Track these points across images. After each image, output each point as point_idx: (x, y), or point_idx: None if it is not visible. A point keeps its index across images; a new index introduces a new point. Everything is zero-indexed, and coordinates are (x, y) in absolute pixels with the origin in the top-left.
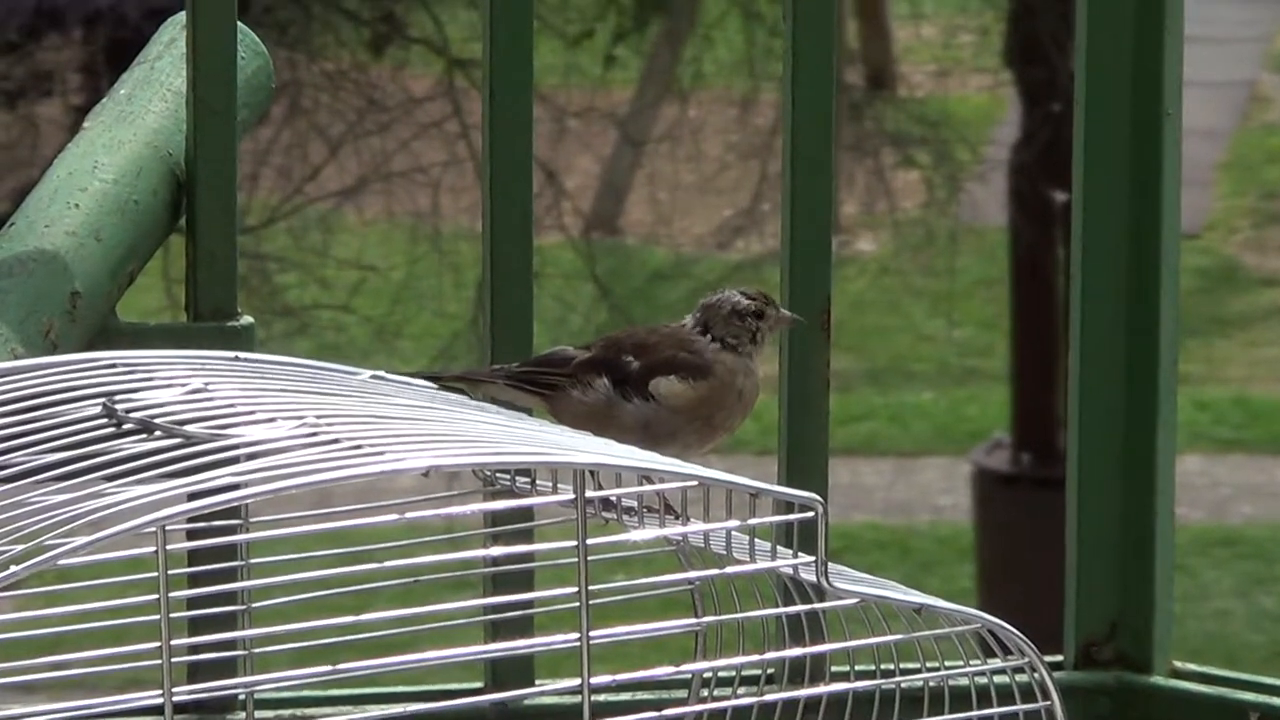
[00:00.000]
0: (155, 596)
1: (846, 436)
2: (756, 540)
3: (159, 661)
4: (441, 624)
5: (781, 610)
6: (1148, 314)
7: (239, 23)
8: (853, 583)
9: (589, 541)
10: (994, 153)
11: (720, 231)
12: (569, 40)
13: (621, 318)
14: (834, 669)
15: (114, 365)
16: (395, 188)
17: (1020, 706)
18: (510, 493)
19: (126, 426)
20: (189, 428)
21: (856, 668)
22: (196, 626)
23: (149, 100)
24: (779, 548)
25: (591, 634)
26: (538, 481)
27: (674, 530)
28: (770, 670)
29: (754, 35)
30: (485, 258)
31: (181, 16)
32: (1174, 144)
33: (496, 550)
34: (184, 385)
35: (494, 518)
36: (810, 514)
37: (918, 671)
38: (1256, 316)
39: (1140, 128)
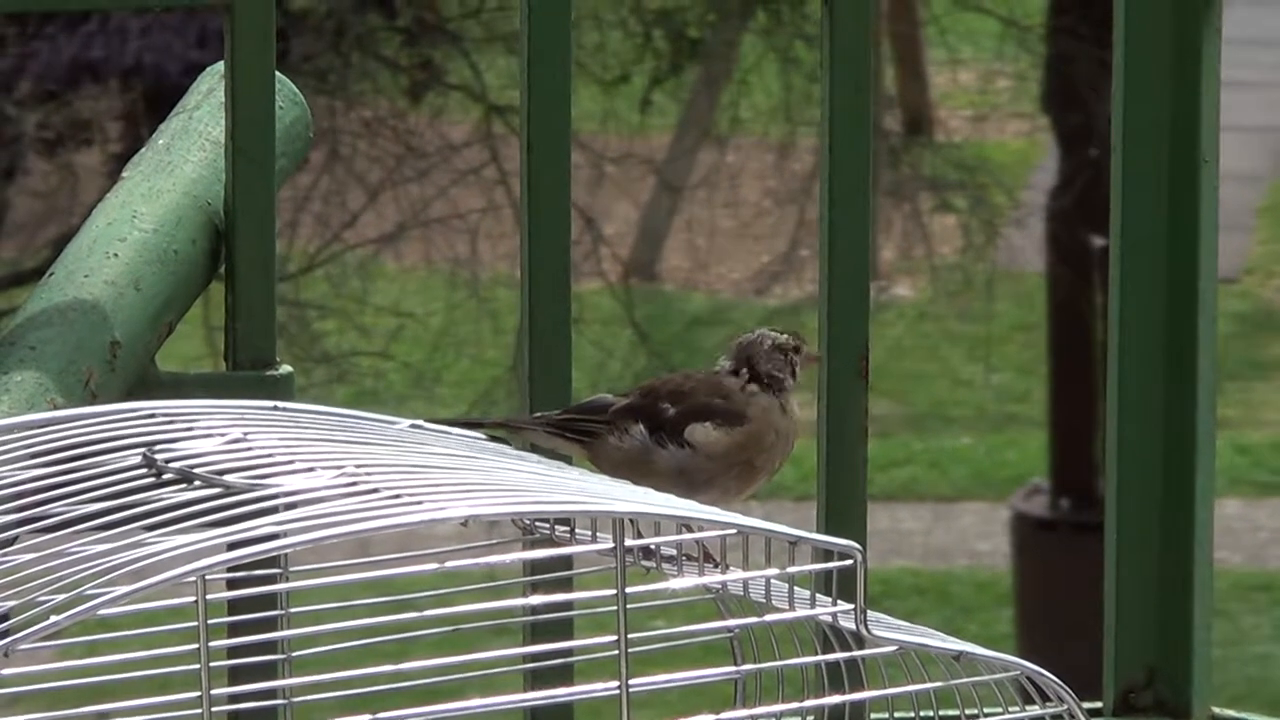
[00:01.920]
0: (192, 647)
1: (885, 482)
2: (795, 588)
3: (199, 711)
4: (481, 672)
5: (821, 658)
6: (1186, 359)
7: (277, 72)
8: (891, 630)
9: (628, 590)
10: (1031, 198)
11: (758, 277)
12: (605, 85)
13: (660, 363)
14: (874, 716)
15: (154, 415)
16: (433, 234)
17: None
18: (550, 541)
19: (166, 476)
20: (228, 477)
21: (896, 715)
22: (236, 676)
23: (188, 150)
24: (818, 595)
25: (631, 682)
26: (577, 530)
27: (713, 579)
28: (810, 718)
29: (791, 80)
30: (524, 305)
31: (220, 66)
32: (1211, 190)
33: (536, 599)
34: (223, 435)
35: (533, 566)
36: (849, 561)
37: (957, 718)
38: None
39: (1177, 175)
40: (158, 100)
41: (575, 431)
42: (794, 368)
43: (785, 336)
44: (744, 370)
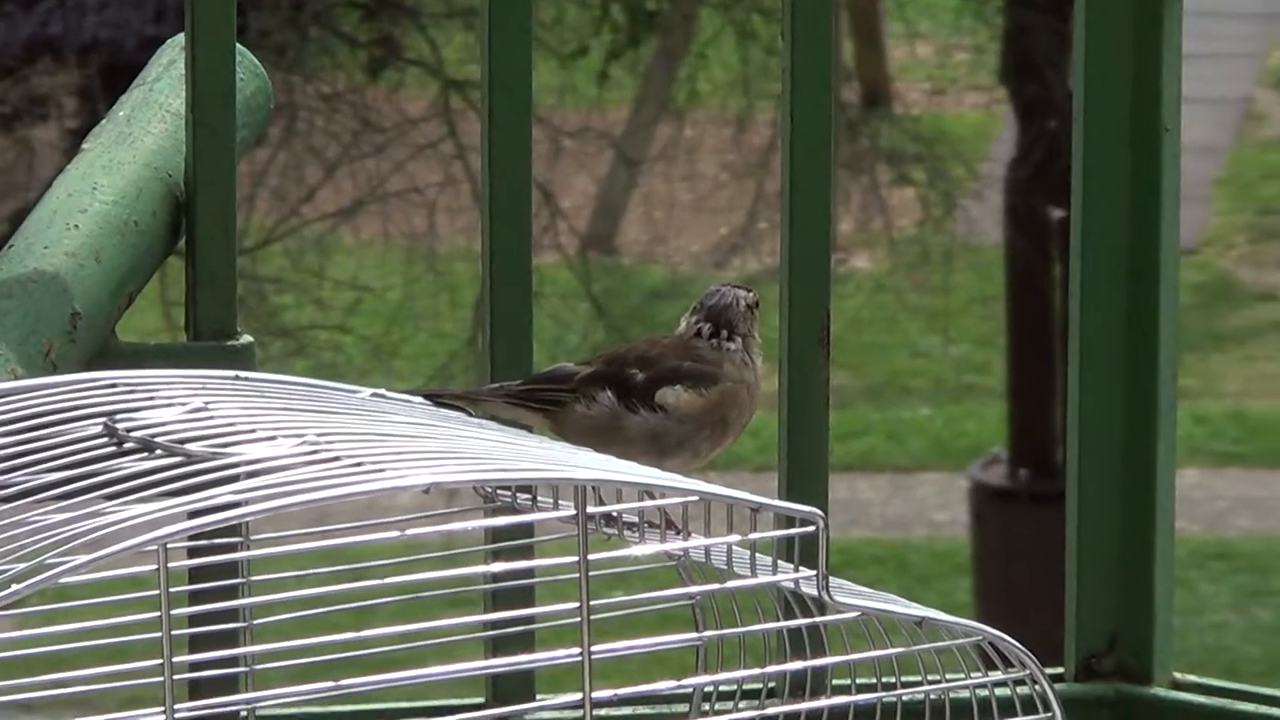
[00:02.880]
0: (155, 614)
1: (844, 453)
2: (757, 555)
3: (160, 679)
4: (443, 640)
5: (783, 624)
6: (1147, 328)
7: (238, 44)
8: (854, 596)
9: (590, 557)
10: (989, 170)
11: (716, 250)
12: (563, 59)
13: (618, 337)
14: (835, 683)
15: (114, 385)
16: (391, 209)
17: (1021, 719)
18: (511, 509)
19: (127, 445)
20: (190, 446)
21: (858, 681)
22: (198, 644)
23: (148, 122)
24: (780, 562)
25: (593, 649)
26: (538, 498)
27: (675, 545)
28: (771, 684)
29: (749, 54)
30: (484, 276)
31: (180, 38)
32: (1173, 159)
33: (498, 566)
34: (185, 404)
35: (495, 534)
36: (811, 528)
37: (919, 684)
38: (1253, 331)
39: (1139, 143)
40: (115, 75)
41: (539, 401)
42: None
43: (748, 293)
44: (721, 330)
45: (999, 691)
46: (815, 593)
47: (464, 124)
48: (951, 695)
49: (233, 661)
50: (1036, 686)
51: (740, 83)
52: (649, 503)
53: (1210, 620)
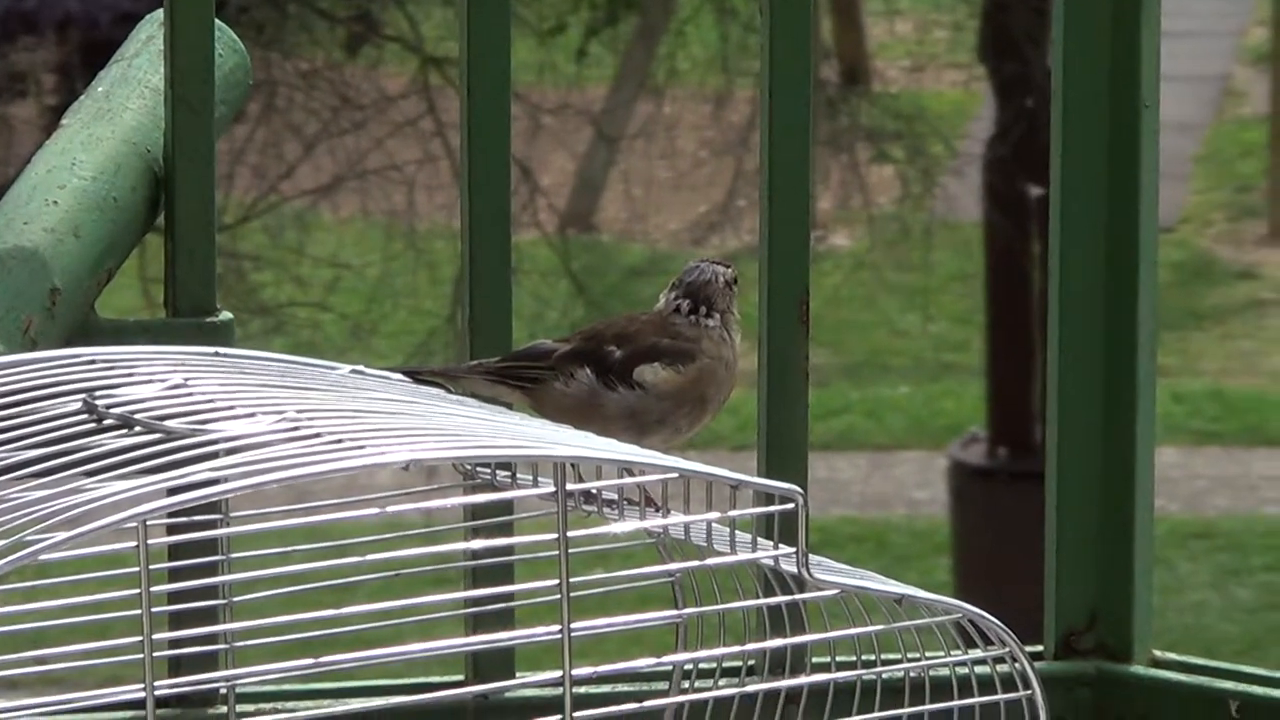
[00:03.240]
0: (133, 592)
1: (822, 431)
2: (737, 532)
3: (139, 656)
4: (422, 617)
5: (762, 601)
6: (1126, 306)
7: (216, 19)
8: (833, 574)
9: (569, 534)
10: (968, 148)
11: (695, 228)
12: (542, 36)
13: (597, 314)
14: (815, 660)
15: (94, 361)
16: (370, 186)
17: (1001, 696)
18: (490, 487)
19: (106, 422)
20: (169, 423)
21: (837, 659)
22: (177, 621)
23: (127, 97)
24: (759, 539)
25: (573, 626)
26: (518, 475)
27: (655, 522)
28: (751, 661)
29: (728, 31)
30: (464, 253)
31: (159, 14)
32: (1152, 136)
33: (477, 544)
34: (164, 381)
35: (474, 512)
36: (790, 505)
37: (899, 662)
38: (1231, 309)
39: (1118, 120)
40: (93, 52)
41: (517, 378)
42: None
43: (727, 269)
44: (700, 307)
45: (979, 669)
46: (795, 570)
47: (443, 101)
48: (931, 673)
49: (212, 639)
50: (1016, 664)
51: (719, 60)
52: (628, 480)
53: (1189, 599)
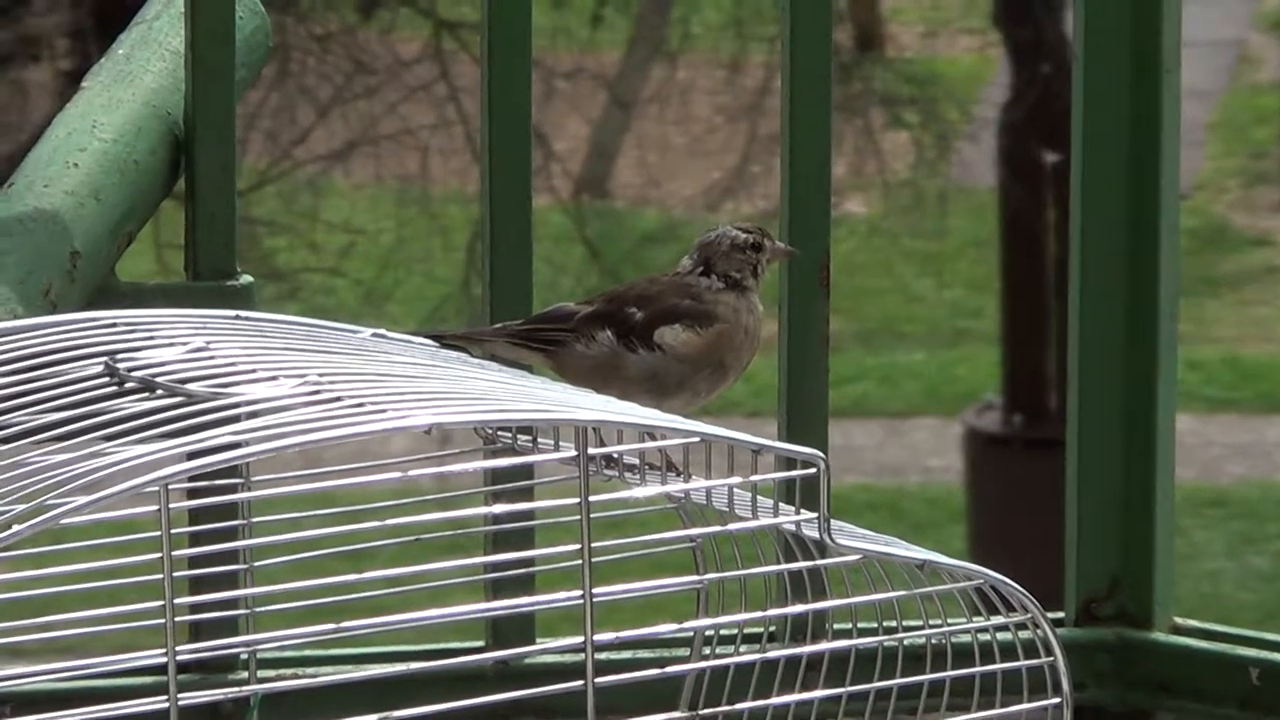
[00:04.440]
0: (151, 556)
1: (837, 398)
2: (758, 497)
3: (160, 621)
4: (443, 583)
5: (784, 567)
6: (1147, 271)
7: None
8: (855, 539)
9: (591, 499)
10: (983, 113)
11: (709, 193)
12: (557, 0)
13: (612, 280)
14: (836, 626)
15: (115, 324)
16: (383, 151)
17: (1023, 662)
18: (512, 451)
19: (128, 385)
20: (191, 386)
21: (859, 625)
22: (198, 586)
23: (147, 60)
24: (781, 505)
25: (595, 591)
26: (539, 439)
27: (676, 487)
28: (772, 628)
29: None
30: (484, 217)
31: None
32: (1173, 100)
33: (499, 508)
34: (185, 344)
35: (495, 476)
36: (812, 470)
37: (920, 628)
38: (1246, 276)
39: (1140, 84)
40: (108, 16)
41: (539, 340)
42: (755, 265)
43: (745, 235)
44: (697, 268)
45: (1000, 635)
46: (816, 535)
47: (456, 66)
48: (953, 639)
49: (232, 604)
50: (1038, 630)
51: (733, 25)
52: (650, 444)
53: (1205, 567)
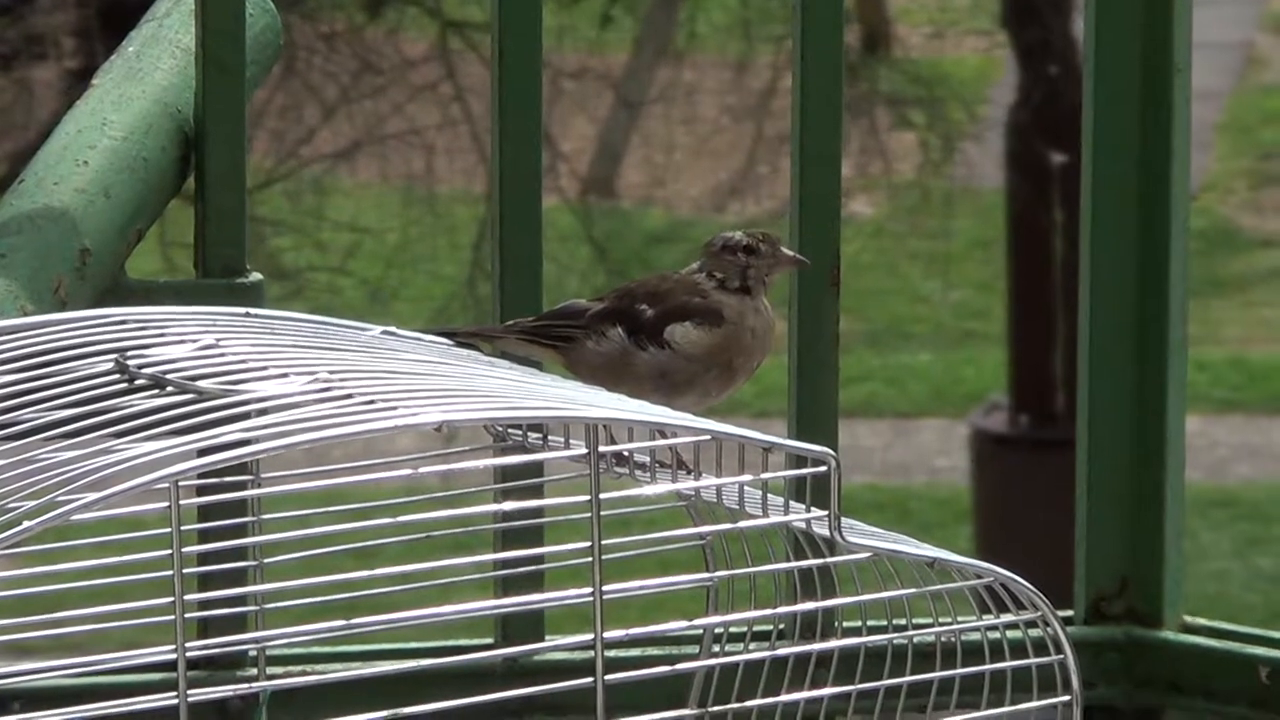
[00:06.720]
0: (160, 553)
1: (844, 398)
2: (769, 495)
3: (169, 618)
4: (452, 580)
5: (794, 564)
6: (1157, 270)
7: None
8: (865, 537)
9: (601, 496)
10: (990, 114)
11: (716, 194)
12: (564, 1)
13: (618, 280)
14: (846, 624)
15: (125, 321)
16: (389, 150)
17: (1033, 660)
18: (522, 448)
19: (138, 382)
20: (201, 383)
21: (868, 623)
22: (207, 582)
23: (158, 57)
24: (791, 503)
25: (605, 588)
26: (549, 437)
27: (687, 484)
28: (782, 625)
29: None
30: (493, 215)
31: None
32: (1184, 100)
33: (509, 505)
34: (196, 341)
35: (505, 473)
36: (823, 468)
37: (930, 626)
38: (1254, 278)
39: (1150, 84)
40: (114, 15)
41: (550, 337)
42: (744, 269)
43: (741, 237)
44: (705, 269)
45: (1010, 634)
46: (827, 533)
47: (463, 65)
48: (962, 637)
49: (241, 600)
50: (1048, 628)
51: (740, 26)
52: (660, 442)
53: (1211, 568)
